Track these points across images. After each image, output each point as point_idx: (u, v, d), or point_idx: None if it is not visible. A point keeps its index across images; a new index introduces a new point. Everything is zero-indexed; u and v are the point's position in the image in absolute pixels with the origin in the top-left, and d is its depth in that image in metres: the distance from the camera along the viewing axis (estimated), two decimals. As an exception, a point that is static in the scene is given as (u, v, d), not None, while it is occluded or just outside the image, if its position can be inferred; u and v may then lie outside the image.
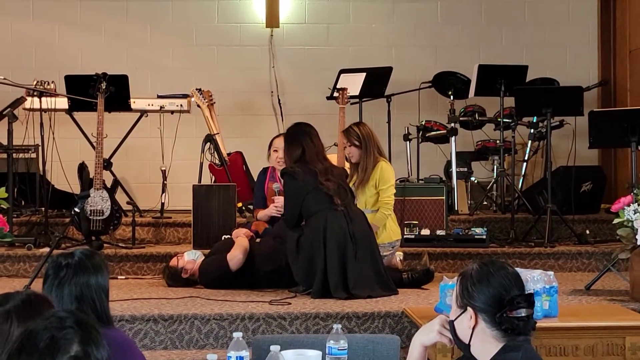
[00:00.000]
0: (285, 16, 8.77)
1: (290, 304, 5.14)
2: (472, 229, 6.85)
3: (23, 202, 7.42)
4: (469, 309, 2.49)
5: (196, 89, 7.51)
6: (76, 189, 7.07)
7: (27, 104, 7.19)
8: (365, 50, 8.71)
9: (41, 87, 7.02)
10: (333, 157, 6.11)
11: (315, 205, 5.45)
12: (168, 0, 8.75)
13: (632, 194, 5.20)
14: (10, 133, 6.78)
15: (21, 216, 7.16)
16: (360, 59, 8.37)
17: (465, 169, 7.82)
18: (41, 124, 6.87)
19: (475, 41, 8.81)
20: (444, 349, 3.85)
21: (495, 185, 7.77)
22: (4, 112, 6.84)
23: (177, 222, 7.17)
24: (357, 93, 7.56)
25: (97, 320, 2.67)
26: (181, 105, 7.70)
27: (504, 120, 7.49)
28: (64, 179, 7.39)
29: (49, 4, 8.65)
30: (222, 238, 6.19)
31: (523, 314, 2.46)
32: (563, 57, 8.87)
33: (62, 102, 7.34)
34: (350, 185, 5.86)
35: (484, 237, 6.70)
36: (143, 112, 7.59)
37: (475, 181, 8.02)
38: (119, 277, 6.21)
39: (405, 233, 6.59)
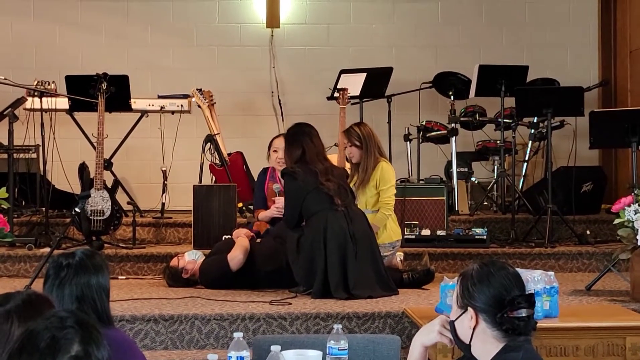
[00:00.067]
0: (286, 16, 8.77)
1: (290, 304, 5.14)
2: (472, 229, 6.85)
3: (24, 202, 7.43)
4: (469, 309, 2.49)
5: (197, 89, 7.52)
6: (77, 189, 7.07)
7: (28, 104, 7.20)
8: (366, 51, 8.71)
9: (42, 87, 7.03)
10: (333, 158, 6.11)
11: (316, 206, 5.45)
12: (169, 1, 8.76)
13: (632, 194, 5.20)
14: (10, 133, 6.78)
15: (22, 216, 7.16)
16: (360, 60, 8.37)
17: (466, 169, 7.82)
18: (42, 124, 6.87)
19: (475, 41, 8.82)
20: (444, 350, 3.85)
21: (495, 185, 7.78)
22: (5, 112, 6.84)
23: (178, 222, 7.17)
24: (357, 93, 7.56)
25: (97, 320, 2.67)
26: (182, 105, 7.70)
27: (505, 120, 7.49)
28: (65, 179, 7.39)
29: (49, 4, 8.65)
30: (223, 238, 6.19)
31: (524, 314, 2.46)
32: (563, 57, 8.87)
33: (63, 102, 7.34)
34: (351, 185, 5.86)
35: (485, 237, 6.70)
36: (143, 113, 7.60)
37: (476, 181, 8.02)
38: (120, 277, 6.21)
39: (406, 233, 6.59)
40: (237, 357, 2.77)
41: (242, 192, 7.08)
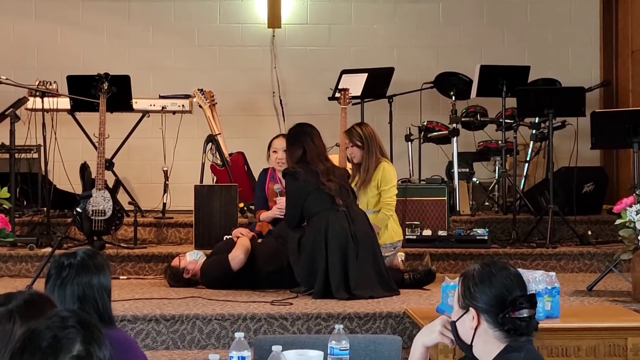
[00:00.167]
0: (287, 17, 8.77)
1: (291, 304, 5.14)
2: (473, 229, 6.85)
3: (25, 202, 7.44)
4: (471, 309, 2.49)
5: (198, 90, 7.52)
6: (78, 189, 7.07)
7: (30, 104, 7.20)
8: (367, 51, 8.71)
9: (43, 87, 7.03)
10: (335, 158, 6.11)
11: (317, 206, 5.45)
12: (170, 1, 8.76)
13: (634, 194, 5.20)
14: (12, 133, 6.78)
15: (23, 216, 7.17)
16: (361, 60, 8.37)
17: (467, 170, 7.81)
18: (43, 124, 6.87)
19: (477, 42, 8.81)
20: (445, 350, 3.85)
21: (497, 185, 7.77)
22: (7, 112, 6.85)
23: (179, 222, 7.17)
24: (358, 93, 7.56)
25: (99, 320, 2.67)
26: (183, 105, 7.71)
27: (506, 120, 7.49)
28: (66, 179, 7.39)
29: (51, 4, 8.65)
30: (224, 238, 6.19)
31: (525, 315, 2.45)
32: (565, 57, 8.86)
33: (64, 103, 7.35)
34: (352, 185, 5.86)
35: (486, 237, 6.70)
36: (145, 113, 7.60)
37: (477, 182, 8.01)
38: (121, 277, 6.22)
39: (407, 234, 6.59)
40: (239, 357, 2.78)
41: (243, 192, 7.08)
